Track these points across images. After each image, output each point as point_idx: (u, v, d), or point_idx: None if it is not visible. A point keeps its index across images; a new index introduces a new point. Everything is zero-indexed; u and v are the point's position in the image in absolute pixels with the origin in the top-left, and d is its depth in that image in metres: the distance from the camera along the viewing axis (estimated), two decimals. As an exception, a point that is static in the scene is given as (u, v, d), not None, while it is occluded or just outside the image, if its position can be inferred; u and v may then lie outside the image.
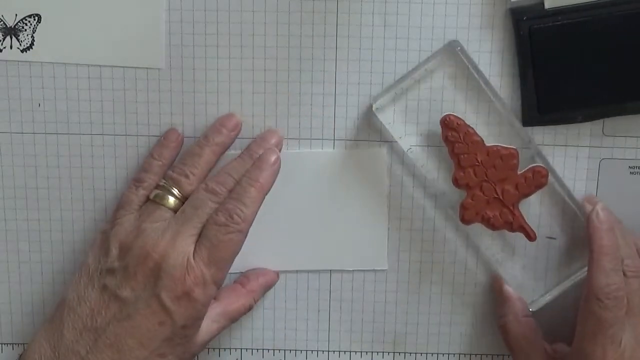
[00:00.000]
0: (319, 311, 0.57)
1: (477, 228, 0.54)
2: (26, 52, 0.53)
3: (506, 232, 0.54)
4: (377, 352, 0.58)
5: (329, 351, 0.58)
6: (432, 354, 0.58)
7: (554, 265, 0.56)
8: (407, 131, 0.54)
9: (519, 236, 0.54)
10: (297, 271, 0.56)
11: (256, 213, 0.49)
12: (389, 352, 0.58)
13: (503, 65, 0.53)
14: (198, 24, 0.53)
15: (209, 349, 0.58)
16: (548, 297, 0.56)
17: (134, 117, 0.54)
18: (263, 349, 0.58)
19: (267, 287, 0.56)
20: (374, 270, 0.57)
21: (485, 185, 0.53)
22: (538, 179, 0.52)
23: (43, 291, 0.57)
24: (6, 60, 0.54)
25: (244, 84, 0.54)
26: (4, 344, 0.58)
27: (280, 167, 0.51)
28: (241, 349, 0.58)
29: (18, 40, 0.53)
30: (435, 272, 0.57)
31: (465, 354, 0.58)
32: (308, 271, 0.57)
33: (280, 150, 0.52)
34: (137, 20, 0.53)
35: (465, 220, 0.53)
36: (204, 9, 0.53)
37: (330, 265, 0.56)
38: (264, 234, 0.55)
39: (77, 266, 0.57)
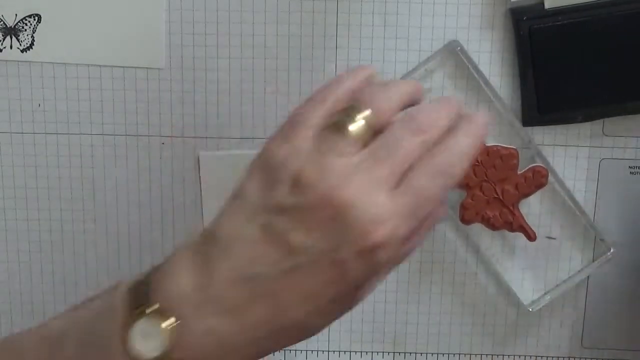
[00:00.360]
0: (319, 311, 0.57)
1: (477, 228, 0.54)
2: (26, 52, 0.53)
3: (506, 232, 0.54)
4: (377, 352, 0.58)
5: (329, 351, 0.58)
6: (432, 354, 0.58)
7: (554, 265, 0.56)
8: (407, 131, 0.54)
9: (519, 236, 0.54)
10: (297, 271, 0.56)
11: (475, 155, 0.39)
12: (389, 352, 0.58)
13: (503, 65, 0.53)
14: (198, 24, 0.53)
15: (209, 349, 0.58)
16: (547, 297, 0.56)
17: (134, 117, 0.54)
18: (263, 349, 0.58)
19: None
20: (374, 270, 0.56)
21: (485, 185, 0.53)
22: (538, 179, 0.52)
23: (43, 291, 0.57)
24: (6, 60, 0.54)
25: (244, 84, 0.54)
26: (4, 344, 0.58)
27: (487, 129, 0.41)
28: (241, 349, 0.58)
29: (18, 40, 0.53)
30: (435, 272, 0.57)
31: (465, 354, 0.58)
32: (308, 271, 0.57)
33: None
34: (137, 20, 0.53)
35: (465, 220, 0.53)
36: (204, 9, 0.53)
37: (330, 265, 0.56)
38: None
39: (77, 266, 0.57)
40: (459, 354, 0.58)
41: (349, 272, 0.37)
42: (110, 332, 0.37)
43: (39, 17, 0.53)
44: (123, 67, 0.54)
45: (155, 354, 0.36)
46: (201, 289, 0.37)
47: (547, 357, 0.58)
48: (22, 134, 0.55)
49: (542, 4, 0.51)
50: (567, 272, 0.56)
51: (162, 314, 0.37)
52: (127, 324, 0.37)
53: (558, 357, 0.58)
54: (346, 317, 0.57)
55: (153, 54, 0.54)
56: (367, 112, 0.38)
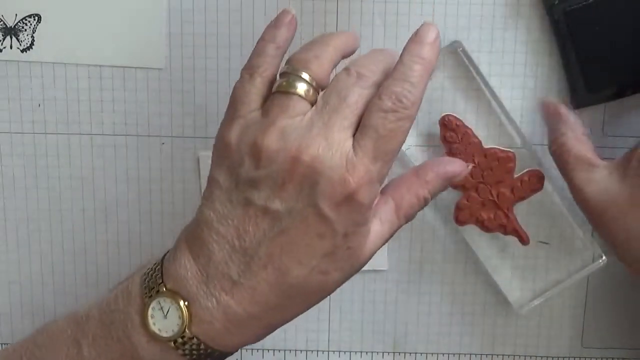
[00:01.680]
0: (319, 311, 0.57)
1: (474, 229, 0.54)
2: (26, 52, 0.53)
3: (500, 235, 0.54)
4: (377, 352, 0.58)
5: (329, 351, 0.58)
6: (432, 354, 0.58)
7: (546, 270, 0.56)
8: (407, 131, 0.54)
9: (513, 239, 0.54)
10: (297, 271, 0.56)
11: (423, 96, 0.41)
12: (389, 352, 0.58)
13: (503, 65, 0.53)
14: (198, 24, 0.53)
15: (209, 349, 0.58)
16: (536, 302, 0.56)
17: (134, 117, 0.54)
18: (263, 349, 0.58)
19: (448, 179, 0.45)
20: (374, 270, 0.57)
21: (481, 187, 0.53)
22: (534, 183, 0.52)
23: (43, 291, 0.57)
24: (6, 60, 0.54)
25: (244, 84, 0.54)
26: (4, 344, 0.58)
27: (440, 47, 0.42)
28: (241, 348, 0.58)
29: (18, 40, 0.53)
30: (435, 272, 0.57)
31: (465, 354, 0.58)
32: (308, 271, 0.57)
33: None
34: (137, 20, 0.53)
35: (459, 221, 0.53)
36: (204, 9, 0.53)
37: (330, 265, 0.56)
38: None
39: (77, 267, 0.57)
40: (459, 354, 0.58)
41: (334, 224, 0.39)
42: (128, 314, 0.41)
43: (39, 17, 0.53)
44: (123, 67, 0.54)
45: (172, 332, 0.40)
46: (203, 268, 0.40)
47: (547, 357, 0.58)
48: (22, 134, 0.55)
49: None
50: (557, 277, 0.56)
51: (174, 295, 0.40)
52: (144, 305, 0.40)
53: (558, 357, 0.58)
54: (346, 317, 0.57)
55: (153, 54, 0.54)
56: (304, 73, 0.40)
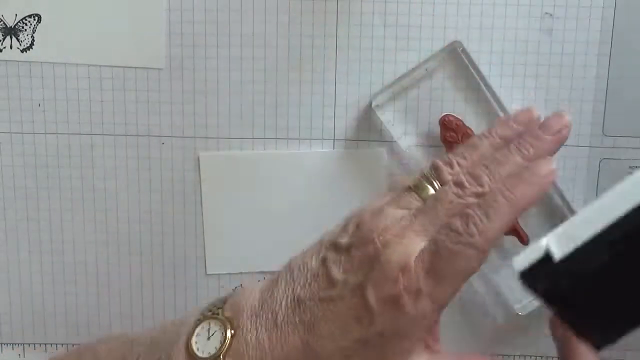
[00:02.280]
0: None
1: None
2: (26, 52, 0.53)
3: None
4: (377, 352, 0.58)
5: (329, 351, 0.58)
6: (432, 354, 0.58)
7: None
8: (407, 131, 0.54)
9: (513, 239, 0.54)
10: (297, 271, 0.56)
11: (502, 231, 0.38)
12: (389, 352, 0.58)
13: (503, 65, 0.53)
14: (198, 24, 0.53)
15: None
16: (536, 302, 0.56)
17: (134, 117, 0.54)
18: (263, 349, 0.58)
19: None
20: (374, 270, 0.56)
21: (482, 186, 0.53)
22: (535, 181, 0.52)
23: (43, 291, 0.57)
24: (6, 60, 0.54)
25: (244, 84, 0.54)
26: (4, 344, 0.58)
27: (552, 181, 0.39)
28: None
29: (18, 40, 0.53)
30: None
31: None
32: (308, 271, 0.57)
33: (563, 143, 0.41)
34: (137, 20, 0.53)
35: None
36: (204, 9, 0.53)
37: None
38: (263, 234, 0.55)
39: (77, 266, 0.57)
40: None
41: (374, 315, 0.38)
42: (178, 334, 0.40)
43: (39, 17, 0.53)
44: (123, 67, 0.54)
45: (207, 354, 0.39)
46: (262, 303, 0.40)
47: (547, 357, 0.58)
48: (22, 134, 0.55)
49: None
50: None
51: (227, 322, 0.40)
52: (195, 325, 0.40)
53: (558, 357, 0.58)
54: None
55: (153, 54, 0.54)
56: (437, 182, 0.40)
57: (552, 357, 0.58)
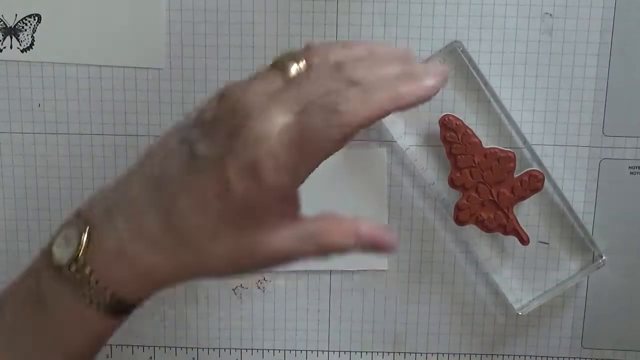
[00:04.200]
0: (319, 311, 0.57)
1: (474, 229, 0.54)
2: (26, 52, 0.53)
3: (500, 235, 0.54)
4: (377, 352, 0.58)
5: (329, 351, 0.58)
6: (432, 353, 0.58)
7: (546, 270, 0.56)
8: (407, 131, 0.54)
9: (513, 239, 0.54)
10: (297, 271, 0.56)
11: (369, 121, 0.37)
12: (389, 352, 0.58)
13: (503, 65, 0.53)
14: (198, 24, 0.53)
15: (208, 349, 0.58)
16: (536, 302, 0.56)
17: (134, 117, 0.54)
18: (263, 349, 0.58)
19: (376, 245, 0.40)
20: (374, 270, 0.57)
21: (481, 187, 0.53)
22: (534, 182, 0.52)
23: (43, 291, 0.57)
24: (6, 60, 0.54)
25: (244, 84, 0.54)
26: (4, 344, 0.58)
27: (429, 93, 0.38)
28: (241, 349, 0.58)
29: (18, 40, 0.53)
30: (435, 272, 0.57)
31: (465, 354, 0.58)
32: (308, 271, 0.57)
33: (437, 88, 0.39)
34: (137, 20, 0.53)
35: (459, 221, 0.53)
36: (204, 9, 0.53)
37: (330, 266, 0.56)
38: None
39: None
40: (459, 353, 0.58)
41: (231, 187, 0.37)
42: (40, 258, 0.40)
43: (39, 17, 0.53)
44: (123, 67, 0.54)
45: (69, 256, 0.38)
46: (115, 192, 0.40)
47: (547, 357, 0.58)
48: (22, 134, 0.55)
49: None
50: (557, 277, 0.56)
51: (83, 223, 0.39)
52: (53, 237, 0.39)
53: (558, 357, 0.58)
54: (346, 317, 0.57)
55: (153, 54, 0.54)
56: (304, 61, 0.39)
57: (552, 357, 0.58)
